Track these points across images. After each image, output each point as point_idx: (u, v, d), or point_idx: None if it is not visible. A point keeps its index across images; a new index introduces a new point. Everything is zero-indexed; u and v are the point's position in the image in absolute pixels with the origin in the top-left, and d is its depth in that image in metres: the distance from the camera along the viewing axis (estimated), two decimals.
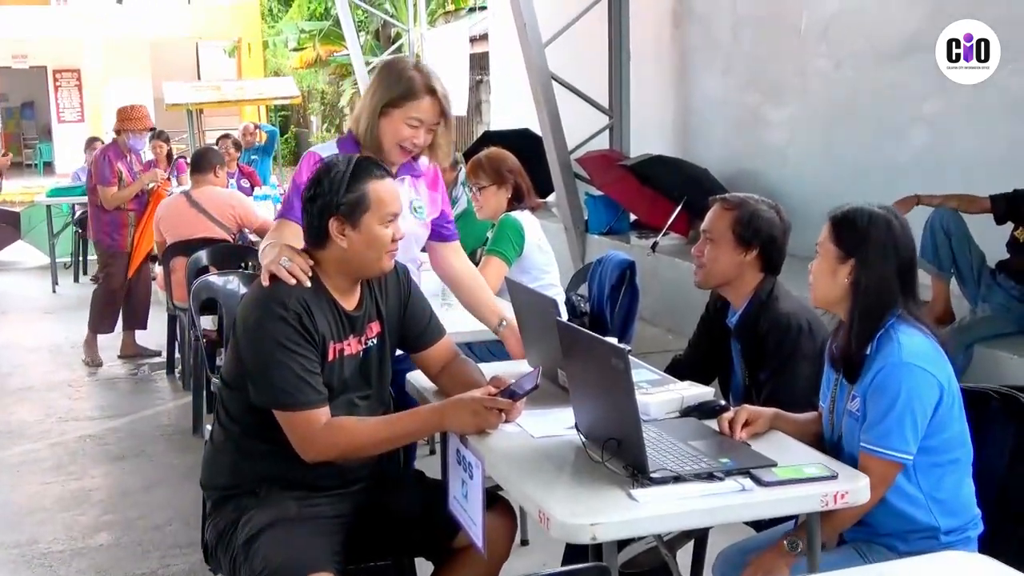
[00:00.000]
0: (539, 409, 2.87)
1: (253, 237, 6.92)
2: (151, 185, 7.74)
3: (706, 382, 3.12)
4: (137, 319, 7.71)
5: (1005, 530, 2.66)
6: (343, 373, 2.81)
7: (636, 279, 4.68)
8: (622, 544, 2.92)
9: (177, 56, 29.02)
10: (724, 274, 3.20)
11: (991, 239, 5.29)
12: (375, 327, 2.91)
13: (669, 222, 8.36)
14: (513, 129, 11.50)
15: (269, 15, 30.69)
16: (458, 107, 13.53)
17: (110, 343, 7.69)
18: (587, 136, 9.79)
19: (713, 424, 2.71)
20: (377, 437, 2.72)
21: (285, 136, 28.73)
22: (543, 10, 9.28)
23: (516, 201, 4.58)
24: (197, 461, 2.98)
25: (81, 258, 11.47)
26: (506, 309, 3.48)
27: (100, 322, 7.62)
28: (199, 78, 28.45)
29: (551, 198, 10.08)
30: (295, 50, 28.25)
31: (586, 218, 9.55)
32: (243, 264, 6.03)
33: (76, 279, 11.33)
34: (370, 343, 2.89)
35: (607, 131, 9.87)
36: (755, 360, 3.16)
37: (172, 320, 6.93)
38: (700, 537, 3.32)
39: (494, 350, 3.88)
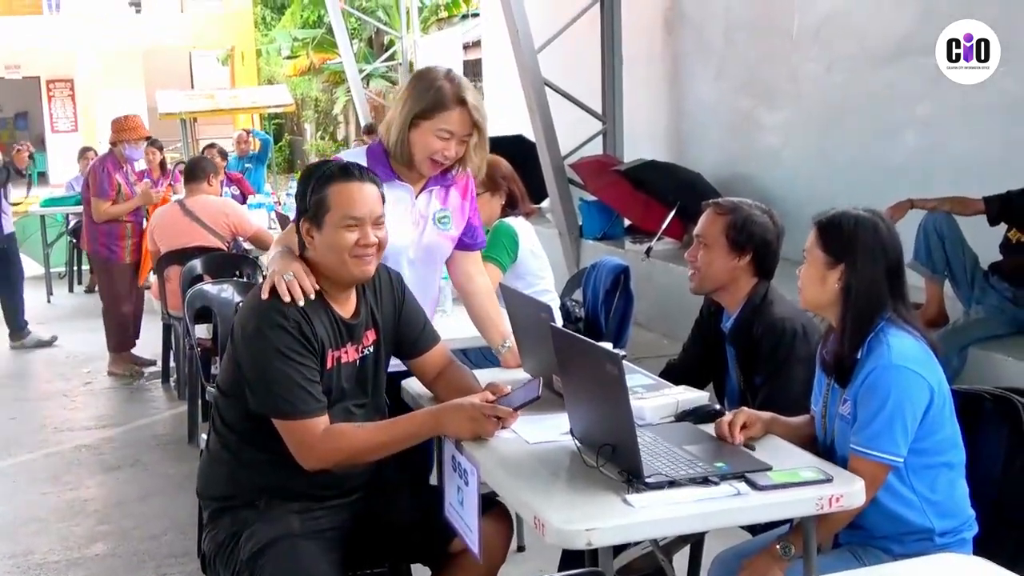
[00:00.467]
0: (534, 415, 2.87)
1: (247, 245, 6.92)
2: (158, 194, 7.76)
3: (700, 386, 3.12)
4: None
5: (999, 532, 2.67)
6: (340, 381, 2.81)
7: (630, 284, 4.69)
8: (618, 549, 2.92)
9: (170, 65, 29.00)
10: (718, 279, 3.20)
11: (984, 241, 5.30)
12: (371, 335, 2.91)
13: (663, 227, 8.36)
14: (507, 135, 11.48)
15: (262, 23, 30.68)
16: None
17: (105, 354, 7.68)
18: (581, 142, 9.80)
19: (708, 428, 2.71)
20: (376, 442, 2.72)
21: (279, 144, 28.74)
22: (536, 16, 9.29)
23: (510, 207, 4.58)
24: (193, 470, 2.98)
25: (75, 268, 11.46)
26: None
27: (120, 340, 7.59)
28: (192, 87, 28.42)
29: (545, 204, 10.09)
30: (288, 58, 28.24)
31: (580, 223, 9.56)
32: (237, 273, 6.03)
33: (71, 289, 11.32)
34: (366, 351, 2.89)
35: (600, 136, 9.88)
36: (750, 364, 3.16)
37: (167, 329, 6.92)
38: (696, 542, 3.33)
39: (489, 356, 3.88)
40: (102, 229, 7.49)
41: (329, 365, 2.77)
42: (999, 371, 4.90)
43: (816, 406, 2.77)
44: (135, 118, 7.65)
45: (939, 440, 2.55)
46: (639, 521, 2.25)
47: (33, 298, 10.70)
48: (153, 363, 7.56)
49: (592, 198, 9.51)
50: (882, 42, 7.08)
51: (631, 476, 2.34)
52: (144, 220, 7.84)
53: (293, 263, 2.78)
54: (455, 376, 3.01)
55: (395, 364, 3.12)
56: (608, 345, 2.71)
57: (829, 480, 2.36)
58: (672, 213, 8.32)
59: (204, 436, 3.02)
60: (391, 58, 20.55)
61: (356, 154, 3.31)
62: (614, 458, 2.40)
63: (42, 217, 11.02)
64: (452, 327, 3.65)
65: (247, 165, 12.58)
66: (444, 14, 24.04)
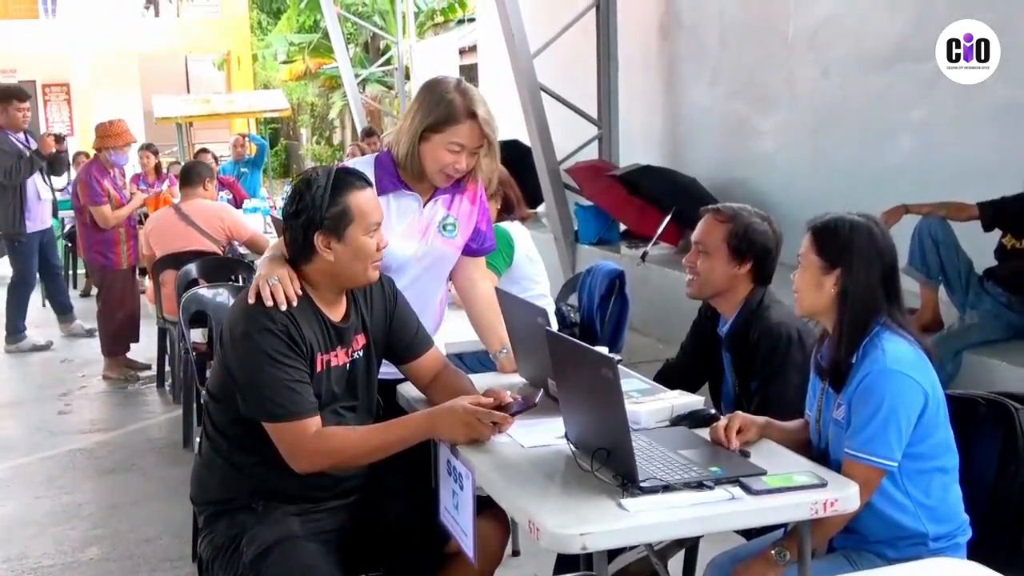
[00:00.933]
0: (529, 419, 2.87)
1: (242, 250, 6.92)
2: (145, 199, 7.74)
3: (696, 388, 3.12)
4: (131, 334, 7.70)
5: (993, 536, 2.67)
6: (330, 384, 2.81)
7: (626, 289, 4.69)
8: (613, 554, 2.92)
9: (166, 69, 28.99)
10: (717, 286, 3.21)
11: (979, 246, 5.31)
12: (361, 339, 2.91)
13: (659, 232, 8.37)
14: (502, 140, 11.47)
15: (258, 28, 30.71)
16: None
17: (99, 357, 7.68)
18: (576, 146, 9.81)
19: (703, 433, 2.72)
20: (368, 445, 2.72)
21: (275, 148, 28.74)
22: (531, 21, 9.30)
23: (506, 212, 4.58)
24: (188, 474, 2.98)
25: (71, 272, 11.44)
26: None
27: (114, 344, 7.57)
28: (188, 91, 28.43)
29: (541, 209, 10.10)
30: (284, 63, 28.25)
31: (576, 228, 9.56)
32: (233, 277, 6.03)
33: None
34: (356, 355, 2.89)
35: (596, 141, 9.89)
36: (746, 369, 3.17)
37: (162, 333, 6.92)
38: (691, 546, 3.33)
39: (484, 361, 3.88)
40: (97, 237, 7.46)
41: (319, 368, 2.77)
42: (993, 376, 4.90)
43: (810, 410, 2.77)
44: (120, 124, 7.58)
45: (933, 444, 2.55)
46: (634, 525, 2.24)
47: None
48: (148, 367, 7.55)
49: (587, 203, 9.51)
50: (877, 46, 7.09)
51: (626, 480, 2.34)
52: (138, 224, 7.85)
53: (279, 268, 2.78)
54: (451, 380, 3.01)
55: (393, 372, 3.13)
56: (603, 349, 2.71)
57: (823, 485, 2.37)
58: (667, 218, 8.32)
59: (199, 440, 3.02)
60: (387, 63, 20.56)
61: (364, 163, 3.29)
62: (609, 462, 2.41)
63: None
64: (448, 332, 3.65)
65: (243, 169, 12.59)
66: (440, 19, 24.09)
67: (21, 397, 7.29)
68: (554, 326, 3.47)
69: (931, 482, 2.57)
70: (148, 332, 7.57)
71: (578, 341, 2.62)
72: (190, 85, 30.26)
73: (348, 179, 2.76)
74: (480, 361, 3.94)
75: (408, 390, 3.17)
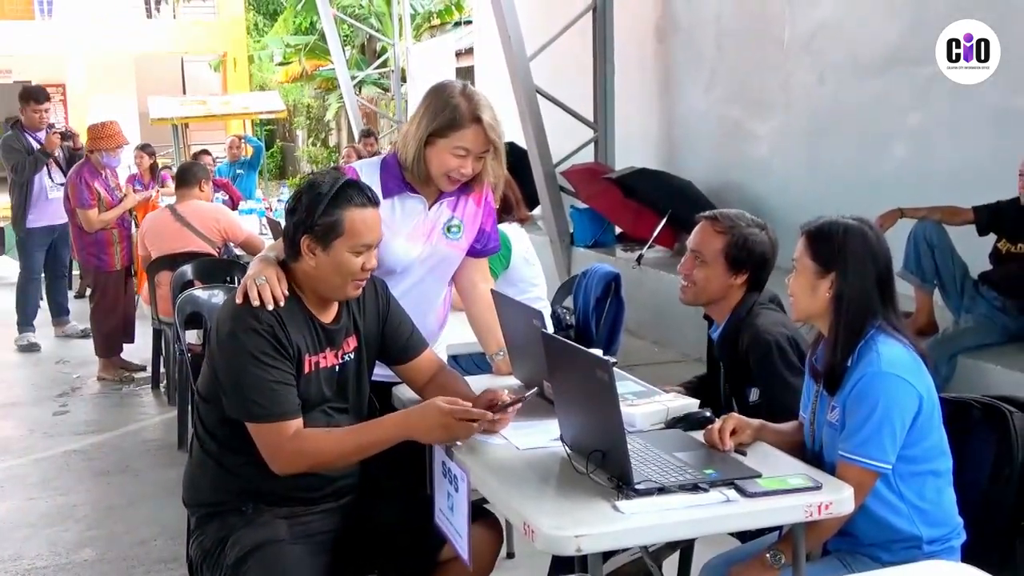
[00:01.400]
0: (524, 421, 2.87)
1: (238, 251, 6.91)
2: (139, 199, 7.73)
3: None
4: (125, 335, 7.69)
5: (987, 539, 2.68)
6: (319, 385, 2.81)
7: (621, 291, 4.69)
8: (607, 556, 2.92)
9: (162, 71, 29.02)
10: (712, 295, 3.20)
11: (974, 250, 5.32)
12: (352, 341, 2.91)
13: (654, 235, 8.38)
14: None
15: (254, 29, 30.72)
16: None
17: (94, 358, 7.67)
18: (572, 149, 9.81)
19: (698, 435, 2.72)
20: (344, 447, 2.71)
21: (271, 150, 28.73)
22: (528, 24, 9.31)
23: (505, 213, 4.58)
24: (181, 476, 2.97)
25: (66, 273, 11.40)
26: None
27: (107, 345, 7.57)
28: (184, 93, 28.44)
29: (536, 211, 10.11)
30: (280, 64, 28.24)
31: (571, 231, 9.57)
32: (228, 278, 6.02)
33: None
34: (347, 357, 2.89)
35: (592, 144, 9.89)
36: (736, 375, 3.17)
37: (157, 335, 6.91)
38: (685, 548, 3.33)
39: (480, 363, 3.88)
40: (88, 239, 7.44)
41: (307, 370, 2.77)
42: (988, 380, 4.92)
43: (805, 413, 2.78)
44: (112, 125, 7.57)
45: (927, 448, 2.56)
46: (629, 528, 2.25)
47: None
48: (143, 368, 7.53)
49: (583, 205, 9.53)
50: (873, 51, 7.11)
51: (621, 482, 2.35)
52: (132, 226, 7.84)
53: (267, 268, 2.78)
54: (447, 382, 3.01)
55: (389, 374, 3.13)
56: (598, 352, 2.71)
57: (818, 487, 2.37)
58: (663, 221, 8.34)
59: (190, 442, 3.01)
60: (383, 65, 20.59)
61: (371, 165, 3.28)
62: (604, 464, 2.41)
63: None
64: (446, 333, 3.65)
65: (239, 171, 12.57)
66: (437, 21, 24.10)
67: (16, 398, 7.28)
68: (549, 328, 3.47)
69: (925, 485, 2.57)
70: (143, 333, 7.56)
71: (573, 343, 2.62)
72: (186, 86, 30.28)
73: (351, 193, 2.73)
74: (476, 363, 3.94)
75: (403, 392, 3.17)
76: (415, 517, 2.85)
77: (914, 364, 2.55)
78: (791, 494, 2.35)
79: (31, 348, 8.51)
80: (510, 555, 4.09)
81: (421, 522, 2.80)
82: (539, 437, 2.73)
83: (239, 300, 2.72)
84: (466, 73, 16.84)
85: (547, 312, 4.48)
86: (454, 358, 3.88)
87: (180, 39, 29.02)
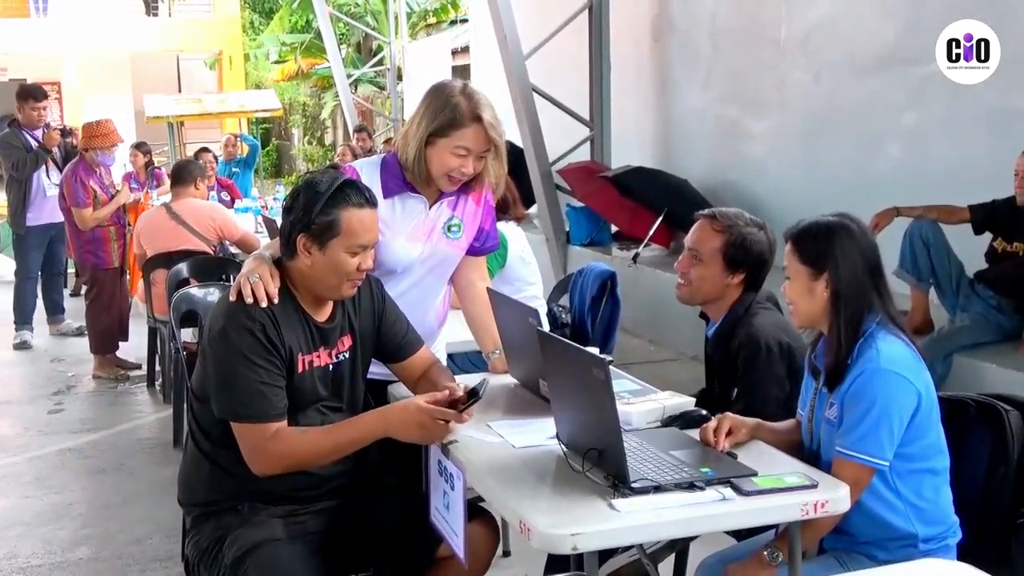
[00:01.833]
0: (520, 419, 2.88)
1: (234, 249, 6.90)
2: (132, 198, 7.71)
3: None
4: (120, 333, 7.68)
5: (983, 538, 2.68)
6: (313, 384, 2.81)
7: (617, 290, 4.69)
8: (604, 557, 2.92)
9: (158, 69, 28.93)
10: (708, 294, 3.20)
11: (970, 249, 5.33)
12: (347, 340, 2.90)
13: (650, 233, 8.39)
14: None
15: (250, 28, 30.67)
16: None
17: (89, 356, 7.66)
18: (568, 148, 9.82)
19: (694, 434, 2.72)
20: (320, 447, 2.71)
21: (267, 148, 28.71)
22: (524, 23, 9.30)
23: (501, 211, 4.57)
24: (177, 474, 2.97)
25: (63, 271, 11.39)
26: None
27: (103, 343, 7.56)
28: (180, 91, 28.37)
29: (532, 210, 10.11)
30: (276, 63, 28.22)
31: (567, 229, 9.57)
32: (224, 276, 6.01)
33: None
34: (341, 356, 2.89)
35: (588, 143, 9.90)
36: (725, 375, 3.16)
37: (152, 333, 6.90)
38: (681, 549, 3.33)
39: (476, 361, 3.88)
40: (85, 236, 7.44)
41: (300, 369, 2.76)
42: (983, 378, 4.92)
43: (803, 410, 2.78)
44: (107, 123, 7.57)
45: (925, 446, 2.56)
46: (625, 526, 2.25)
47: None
48: (138, 367, 7.53)
49: (579, 204, 9.53)
50: (869, 51, 7.11)
51: (617, 481, 2.34)
52: (127, 224, 7.83)
53: (261, 266, 2.78)
54: (434, 377, 3.00)
55: (384, 373, 3.12)
56: (594, 350, 2.71)
57: (814, 486, 2.37)
58: (659, 219, 8.35)
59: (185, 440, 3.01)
60: (379, 63, 20.55)
61: (371, 164, 3.27)
62: (600, 463, 2.41)
63: None
64: (444, 332, 3.64)
65: (234, 169, 12.56)
66: (432, 20, 24.09)
67: (11, 397, 7.26)
68: (545, 327, 3.47)
69: (922, 483, 2.57)
70: (139, 331, 7.55)
71: (569, 342, 2.62)
72: (182, 85, 30.20)
73: (349, 193, 2.73)
74: (471, 361, 3.94)
75: (399, 390, 3.16)
76: (411, 515, 2.84)
77: (914, 361, 2.55)
78: (787, 492, 2.35)
79: (23, 346, 8.50)
80: (506, 553, 4.09)
81: (417, 520, 2.80)
82: (535, 435, 2.73)
83: (232, 298, 2.72)
84: (462, 71, 16.85)
85: (543, 310, 4.47)
86: (450, 356, 3.88)
87: (176, 37, 28.96)
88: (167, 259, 6.27)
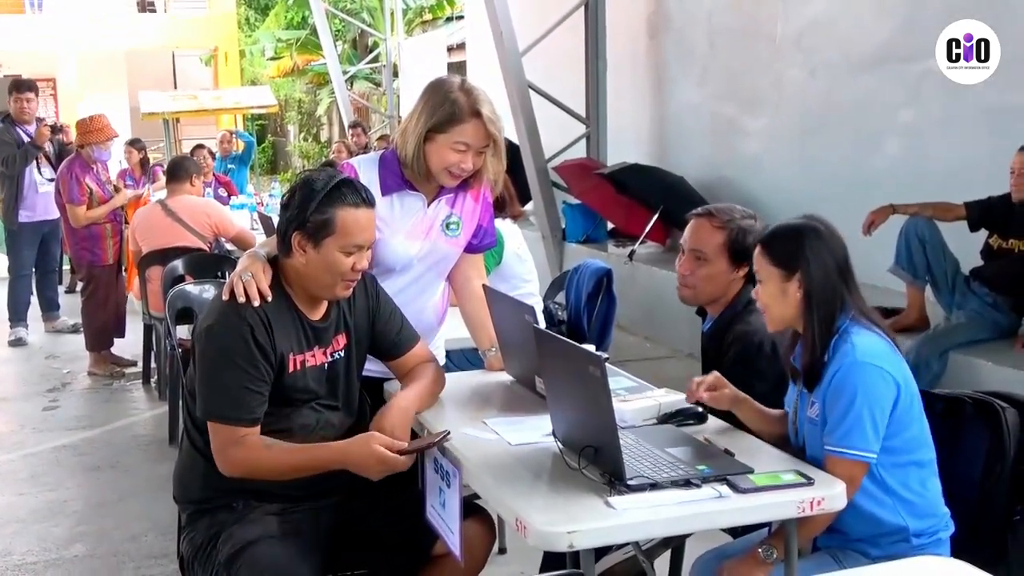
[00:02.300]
0: (516, 416, 2.87)
1: (229, 246, 6.90)
2: (131, 196, 7.70)
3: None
4: (116, 330, 7.67)
5: (980, 535, 2.68)
6: (306, 383, 2.80)
7: (613, 287, 4.69)
8: (600, 553, 2.92)
9: (153, 65, 28.87)
10: (715, 292, 3.20)
11: (965, 246, 5.32)
12: (341, 339, 2.90)
13: (646, 230, 8.38)
14: None
15: (246, 24, 30.64)
16: None
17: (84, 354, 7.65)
18: (564, 145, 9.81)
19: (691, 431, 2.72)
20: (279, 466, 2.70)
21: (262, 145, 28.67)
22: (520, 19, 9.30)
23: (497, 209, 4.56)
24: (172, 471, 2.97)
25: (57, 268, 11.37)
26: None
27: (98, 340, 7.54)
28: (175, 87, 28.33)
29: (528, 207, 10.11)
30: (272, 59, 28.19)
31: (563, 226, 9.57)
32: (219, 273, 6.01)
33: None
34: (336, 355, 2.88)
35: (584, 140, 9.90)
36: (720, 369, 3.16)
37: (148, 330, 6.90)
38: (677, 546, 3.32)
39: (471, 359, 3.87)
40: (82, 233, 7.44)
41: (291, 369, 2.76)
42: (979, 375, 4.92)
43: (788, 408, 2.78)
44: (101, 118, 7.55)
45: (908, 438, 2.56)
46: (621, 523, 2.25)
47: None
48: (134, 363, 7.52)
49: (575, 201, 9.52)
50: (866, 48, 7.11)
51: (613, 478, 2.34)
52: (123, 221, 7.82)
53: (254, 264, 2.78)
54: (418, 374, 3.01)
55: (380, 371, 3.12)
56: (590, 347, 2.71)
57: (810, 483, 2.37)
58: (655, 217, 8.34)
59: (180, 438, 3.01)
60: (375, 60, 20.54)
61: (369, 162, 3.26)
62: (596, 460, 2.40)
63: None
64: (443, 329, 3.63)
65: (230, 166, 12.55)
66: (428, 16, 24.07)
67: (6, 393, 7.25)
68: (541, 324, 3.47)
69: (908, 476, 2.57)
70: (134, 328, 7.54)
71: (565, 339, 2.62)
72: (177, 81, 30.14)
73: (345, 192, 2.72)
74: (467, 359, 3.94)
75: (395, 387, 3.15)
76: (407, 513, 2.84)
77: (889, 352, 2.56)
78: (783, 490, 2.35)
79: (18, 343, 8.49)
80: (502, 550, 4.09)
81: (413, 518, 2.79)
82: (531, 433, 2.73)
83: (226, 296, 2.72)
84: (458, 68, 16.83)
85: (539, 308, 4.47)
86: (447, 354, 3.87)
87: (171, 34, 28.91)
88: (163, 256, 6.27)
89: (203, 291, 5.13)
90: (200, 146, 11.13)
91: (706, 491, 2.33)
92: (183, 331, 5.16)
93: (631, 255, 8.23)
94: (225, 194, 10.25)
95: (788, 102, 8.00)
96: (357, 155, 7.57)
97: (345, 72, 18.87)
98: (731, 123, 8.67)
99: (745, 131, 8.52)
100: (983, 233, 5.28)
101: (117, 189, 7.83)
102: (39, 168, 8.31)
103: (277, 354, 2.71)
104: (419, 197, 3.23)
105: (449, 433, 2.67)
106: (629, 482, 2.31)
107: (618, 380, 3.13)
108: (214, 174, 10.68)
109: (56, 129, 8.51)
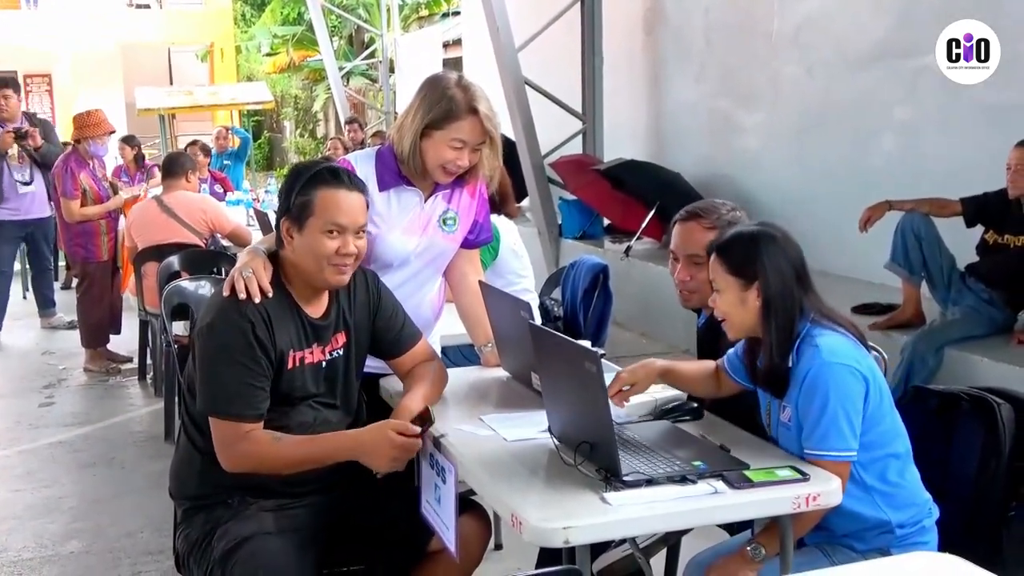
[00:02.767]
0: (512, 412, 2.87)
1: (225, 242, 6.89)
2: (128, 195, 7.68)
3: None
4: (112, 326, 7.66)
5: (975, 530, 2.69)
6: (304, 381, 2.80)
7: (609, 283, 4.69)
8: (597, 550, 2.92)
9: (149, 61, 28.82)
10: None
11: (961, 242, 5.33)
12: (341, 337, 2.89)
13: (642, 226, 8.39)
14: None
15: (242, 20, 30.61)
16: None
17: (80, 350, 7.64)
18: (561, 141, 9.81)
19: (687, 427, 2.72)
20: (290, 458, 2.70)
21: (258, 141, 28.64)
22: (516, 15, 9.29)
23: (493, 206, 4.55)
24: (168, 468, 2.96)
25: (51, 266, 11.34)
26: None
27: (94, 336, 7.52)
28: (171, 83, 28.30)
29: (525, 203, 10.11)
30: (268, 55, 28.17)
31: (560, 222, 9.57)
32: (215, 269, 6.00)
33: None
34: (335, 353, 2.88)
35: (580, 136, 9.90)
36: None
37: (144, 326, 6.89)
38: (673, 544, 3.32)
39: (468, 355, 3.87)
40: (76, 229, 7.42)
41: (290, 365, 2.76)
42: (975, 372, 4.93)
43: (762, 412, 2.77)
44: (97, 113, 7.52)
45: (882, 432, 2.56)
46: (617, 519, 2.25)
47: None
48: (130, 360, 7.51)
49: (572, 197, 9.52)
50: (862, 45, 7.11)
51: (609, 474, 2.34)
52: (119, 217, 7.80)
53: (254, 259, 2.77)
54: (419, 372, 3.00)
55: (377, 366, 3.12)
56: (586, 343, 2.71)
57: (806, 479, 2.37)
58: (651, 213, 8.34)
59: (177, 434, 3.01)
60: (371, 56, 20.53)
61: (366, 157, 3.26)
62: (592, 456, 2.40)
63: None
64: (439, 325, 3.63)
65: (226, 162, 12.52)
66: (425, 12, 24.06)
67: (1, 390, 7.25)
68: (537, 320, 3.46)
69: (886, 469, 2.57)
70: (130, 324, 7.53)
71: (561, 335, 2.62)
72: (173, 77, 30.10)
73: (327, 175, 2.73)
74: (463, 355, 3.93)
75: (391, 384, 3.16)
76: (402, 509, 2.84)
77: (854, 349, 2.56)
78: (779, 485, 2.35)
79: None
80: (498, 547, 4.09)
81: (409, 514, 2.79)
82: (527, 429, 2.72)
83: (226, 293, 2.71)
84: (454, 64, 16.81)
85: (535, 304, 4.47)
86: (443, 350, 3.87)
87: (167, 29, 28.87)
88: (158, 252, 6.26)
89: (199, 287, 5.12)
90: (193, 142, 11.11)
91: (702, 487, 2.33)
92: (179, 327, 5.14)
93: (627, 251, 8.23)
94: (221, 190, 10.24)
95: (785, 99, 8.00)
96: (353, 151, 7.57)
97: (341, 68, 18.85)
98: (728, 120, 8.67)
99: (742, 128, 8.52)
100: (979, 229, 5.28)
101: (115, 190, 7.79)
102: (10, 171, 8.13)
103: (277, 350, 2.71)
104: (416, 193, 3.22)
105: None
106: (625, 478, 2.31)
107: (614, 376, 3.13)
108: (210, 171, 10.66)
109: (21, 134, 8.27)
